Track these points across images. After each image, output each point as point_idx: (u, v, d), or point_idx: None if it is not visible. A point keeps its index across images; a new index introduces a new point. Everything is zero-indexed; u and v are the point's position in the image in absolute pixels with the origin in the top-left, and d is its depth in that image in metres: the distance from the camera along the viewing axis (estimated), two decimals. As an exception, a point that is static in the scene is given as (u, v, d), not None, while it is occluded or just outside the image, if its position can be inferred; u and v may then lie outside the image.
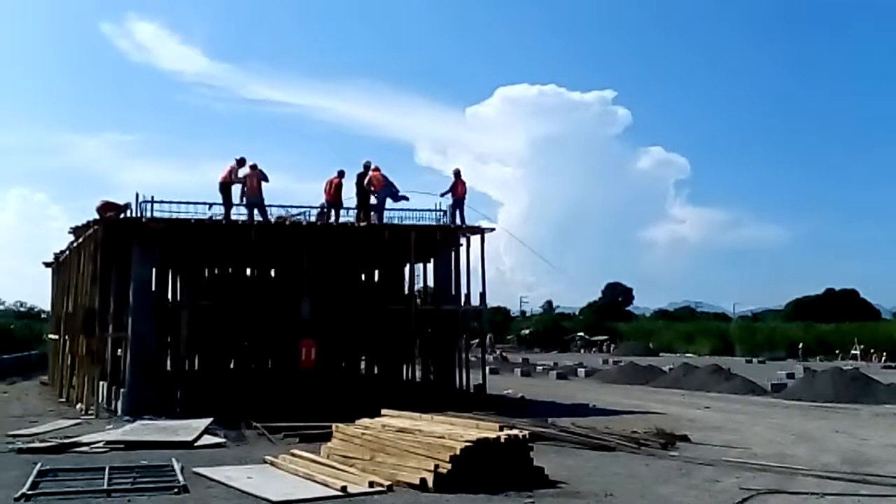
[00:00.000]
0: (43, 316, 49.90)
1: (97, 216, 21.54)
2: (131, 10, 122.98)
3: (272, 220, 22.89)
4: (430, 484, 10.51)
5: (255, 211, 22.11)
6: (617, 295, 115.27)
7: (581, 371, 40.10)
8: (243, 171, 22.14)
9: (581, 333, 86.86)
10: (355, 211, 23.35)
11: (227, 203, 22.02)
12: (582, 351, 76.23)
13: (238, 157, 22.23)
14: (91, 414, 20.19)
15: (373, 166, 23.24)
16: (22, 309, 79.27)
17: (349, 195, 23.11)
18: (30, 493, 10.28)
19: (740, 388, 28.60)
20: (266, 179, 22.15)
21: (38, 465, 12.11)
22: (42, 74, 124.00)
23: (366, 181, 23.03)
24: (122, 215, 21.46)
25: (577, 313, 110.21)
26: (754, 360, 54.70)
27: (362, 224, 23.01)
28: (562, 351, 75.94)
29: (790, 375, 34.68)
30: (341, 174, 23.09)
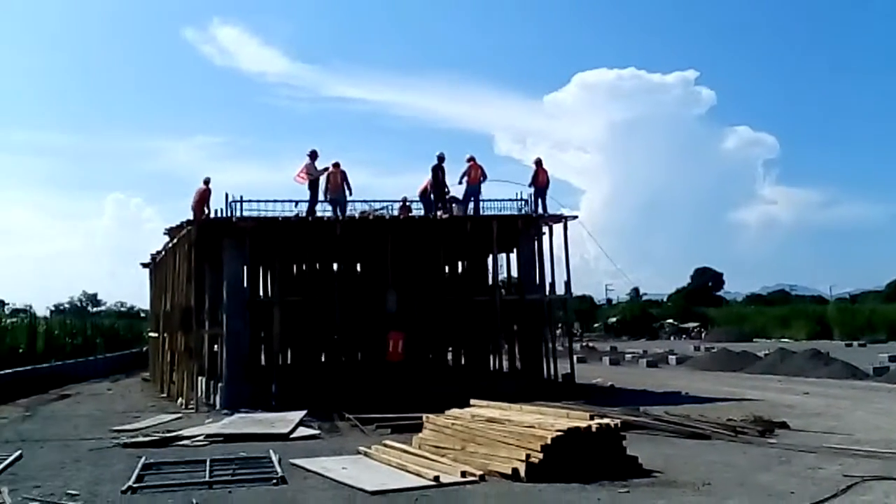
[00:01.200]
0: (142, 315, 52.05)
1: (192, 215, 22.29)
2: (215, 15, 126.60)
3: (356, 215, 23.28)
4: (523, 473, 10.50)
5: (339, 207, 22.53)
6: (706, 280, 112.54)
7: (672, 358, 39.36)
8: (320, 165, 22.52)
9: (670, 320, 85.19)
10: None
11: (313, 200, 22.48)
12: (672, 338, 74.75)
13: (310, 151, 22.61)
14: (191, 408, 20.91)
15: (467, 156, 23.36)
16: (122, 309, 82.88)
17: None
18: (135, 485, 10.70)
19: (840, 373, 27.54)
20: (349, 185, 22.47)
21: (143, 458, 12.60)
22: (134, 83, 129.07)
23: (462, 172, 23.14)
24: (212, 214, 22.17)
25: (665, 300, 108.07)
26: (854, 343, 52.53)
27: (444, 216, 23.14)
28: (651, 338, 74.64)
29: (892, 358, 33.17)
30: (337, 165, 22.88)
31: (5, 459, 12.76)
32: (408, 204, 24.50)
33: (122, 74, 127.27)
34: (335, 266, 24.30)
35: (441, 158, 23.41)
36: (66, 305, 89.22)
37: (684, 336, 76.02)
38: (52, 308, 66.50)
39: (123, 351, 47.15)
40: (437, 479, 10.53)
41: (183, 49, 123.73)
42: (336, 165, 22.45)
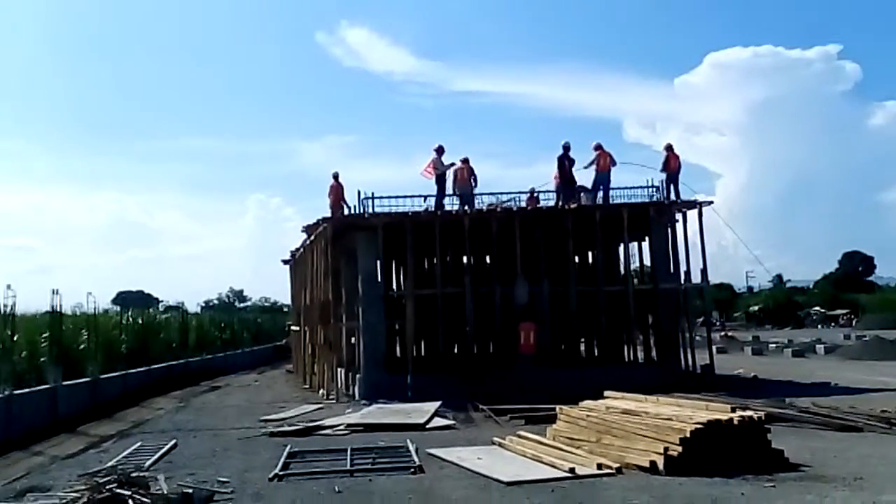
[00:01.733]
0: (285, 309, 54.19)
1: (330, 213, 23.06)
2: (343, 18, 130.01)
3: (483, 207, 23.41)
4: (661, 467, 10.25)
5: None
6: (856, 265, 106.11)
7: (819, 348, 37.43)
8: (447, 159, 22.81)
9: (817, 308, 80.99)
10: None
11: (440, 194, 22.80)
12: (819, 326, 71.09)
13: (436, 146, 22.92)
14: (332, 399, 21.65)
15: (594, 144, 23.09)
16: (266, 304, 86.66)
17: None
18: (282, 473, 11.18)
19: None
20: (475, 179, 22.76)
21: (288, 447, 13.15)
22: (271, 88, 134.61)
23: (590, 160, 22.90)
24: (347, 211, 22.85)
25: (811, 286, 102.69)
26: None
27: (572, 206, 22.90)
28: (796, 327, 71.24)
29: None
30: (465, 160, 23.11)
31: (162, 448, 13.62)
32: (535, 195, 24.39)
33: (261, 81, 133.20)
34: (465, 259, 24.49)
35: (567, 147, 23.17)
36: (215, 302, 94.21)
37: (833, 324, 72.19)
38: (202, 304, 70.45)
39: (268, 344, 49.50)
40: (572, 470, 10.46)
41: (315, 53, 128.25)
42: (465, 161, 22.74)
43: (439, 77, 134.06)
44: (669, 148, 23.38)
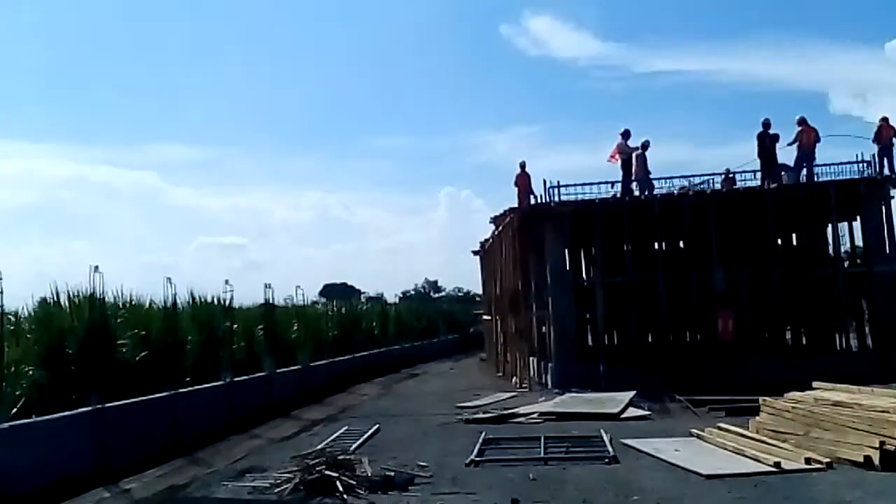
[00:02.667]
0: (477, 299, 55.22)
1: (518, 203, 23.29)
2: (525, 8, 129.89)
3: (675, 191, 22.70)
4: (876, 462, 9.58)
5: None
6: None
7: None
8: (632, 144, 22.34)
9: None
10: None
11: (626, 180, 22.36)
12: None
13: (622, 131, 22.50)
14: (525, 387, 21.87)
15: (797, 118, 21.81)
16: (460, 294, 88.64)
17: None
18: (477, 459, 11.50)
19: None
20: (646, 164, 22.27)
21: (483, 433, 13.48)
22: (459, 83, 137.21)
23: (793, 136, 21.65)
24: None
25: None
26: None
27: (773, 186, 21.67)
28: None
29: None
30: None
31: (366, 432, 14.39)
32: (731, 176, 23.29)
33: (446, 78, 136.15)
34: (656, 245, 23.86)
35: (766, 124, 21.93)
36: (412, 292, 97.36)
37: None
38: (400, 295, 72.98)
39: (462, 333, 50.78)
40: (777, 465, 9.99)
41: (500, 45, 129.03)
42: (644, 146, 22.30)
43: (625, 59, 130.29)
44: (885, 119, 21.56)
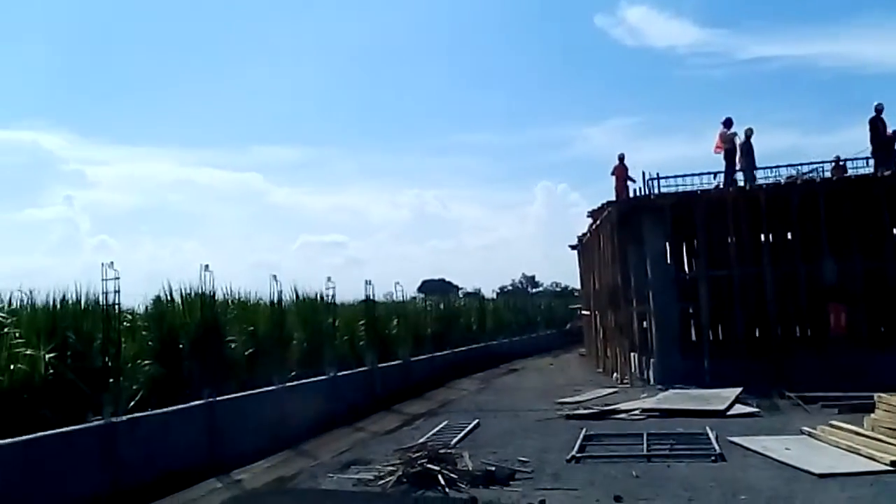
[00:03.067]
0: (575, 294, 54.77)
1: (615, 196, 22.94)
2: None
3: (781, 181, 21.89)
4: None
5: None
6: None
7: None
8: (734, 132, 21.67)
9: None
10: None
11: (729, 170, 21.69)
12: None
13: (724, 119, 21.85)
14: (626, 383, 21.55)
15: None
16: (557, 289, 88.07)
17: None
18: (579, 455, 11.42)
19: None
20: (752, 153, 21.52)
21: (584, 429, 13.37)
22: (553, 76, 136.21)
23: None
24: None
25: None
26: None
27: (887, 173, 20.60)
28: None
29: None
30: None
31: (466, 427, 14.48)
32: (841, 163, 22.28)
33: (540, 70, 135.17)
34: (762, 237, 23.05)
35: (879, 109, 20.91)
36: (509, 287, 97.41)
37: None
38: (497, 290, 73.14)
39: (560, 328, 50.41)
40: (894, 463, 9.55)
41: (596, 36, 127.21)
42: (748, 134, 21.60)
43: (726, 45, 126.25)
44: None
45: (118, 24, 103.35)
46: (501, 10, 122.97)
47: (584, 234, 31.71)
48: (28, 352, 10.81)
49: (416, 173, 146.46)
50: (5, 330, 10.76)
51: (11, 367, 10.36)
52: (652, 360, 21.50)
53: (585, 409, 16.63)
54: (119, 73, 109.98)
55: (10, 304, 11.88)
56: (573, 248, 36.79)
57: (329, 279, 18.55)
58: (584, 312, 36.51)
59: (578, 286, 41.56)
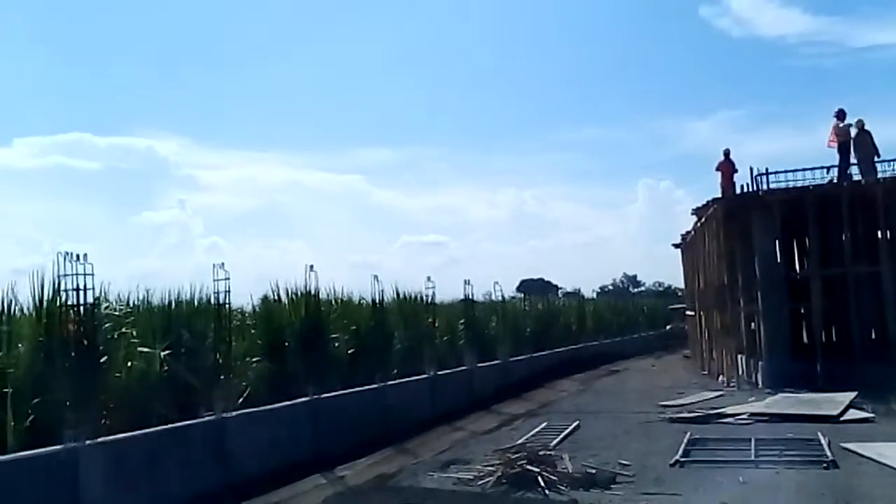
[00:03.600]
0: (679, 294, 53.59)
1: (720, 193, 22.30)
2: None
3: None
4: None
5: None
6: None
7: None
8: (847, 123, 20.68)
9: None
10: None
11: (843, 164, 20.73)
12: None
13: (836, 111, 20.86)
14: (732, 386, 20.92)
15: None
16: (660, 289, 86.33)
17: None
18: (682, 459, 11.15)
19: None
20: (874, 146, 20.40)
21: (688, 433, 13.05)
22: (654, 68, 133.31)
23: None
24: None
25: None
26: None
27: None
28: None
29: None
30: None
31: (566, 429, 14.37)
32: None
33: (640, 64, 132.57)
34: (880, 234, 21.93)
35: None
36: (610, 287, 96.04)
37: None
38: (598, 290, 72.12)
39: (662, 329, 49.39)
40: None
41: (700, 27, 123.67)
42: (860, 125, 20.58)
43: (839, 33, 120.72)
44: None
45: (228, 33, 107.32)
46: (601, 3, 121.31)
47: (688, 232, 30.95)
48: (144, 349, 11.36)
49: (513, 172, 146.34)
50: (123, 328, 11.32)
51: (129, 364, 10.90)
52: (760, 363, 20.79)
53: (690, 412, 16.24)
54: (228, 80, 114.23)
55: (128, 303, 12.48)
56: (676, 246, 35.98)
57: (429, 279, 18.76)
58: (688, 313, 35.64)
59: (682, 286, 40.61)
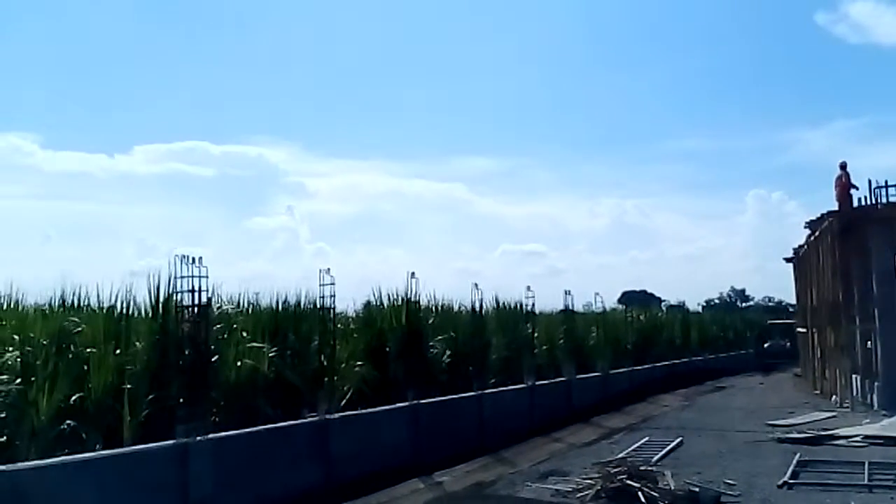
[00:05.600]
0: (790, 310, 51.61)
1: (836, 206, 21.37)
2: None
3: None
4: None
5: None
6: None
7: None
8: None
9: None
10: None
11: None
12: None
13: None
14: (846, 407, 19.98)
15: None
16: (770, 304, 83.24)
17: None
18: (791, 481, 10.72)
19: None
20: None
21: (797, 454, 12.55)
22: (765, 78, 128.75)
23: None
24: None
25: None
26: None
27: None
28: None
29: None
30: None
31: (668, 445, 14.04)
32: None
33: (755, 71, 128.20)
34: None
35: None
36: (716, 301, 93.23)
37: None
38: (703, 304, 70.14)
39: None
40: None
41: (815, 34, 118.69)
42: None
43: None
44: None
45: (339, 44, 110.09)
46: (712, 8, 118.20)
47: (801, 246, 29.75)
48: (255, 345, 11.74)
49: (615, 182, 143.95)
50: (234, 326, 11.76)
51: (238, 363, 11.30)
52: (876, 384, 19.76)
53: (799, 432, 15.60)
54: (335, 90, 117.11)
55: (238, 305, 12.96)
56: (788, 260, 34.64)
57: (528, 288, 18.72)
58: (799, 330, 34.24)
59: (794, 301, 39.09)
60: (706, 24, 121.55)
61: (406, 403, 13.27)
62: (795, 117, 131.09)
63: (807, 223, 25.47)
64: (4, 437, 7.38)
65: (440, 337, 16.05)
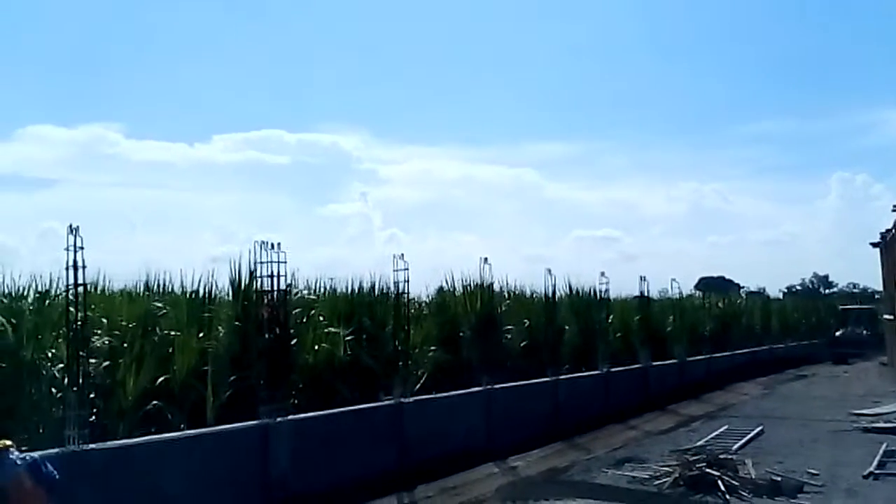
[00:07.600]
0: (876, 297, 49.70)
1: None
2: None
3: None
4: None
5: None
6: None
7: None
8: None
9: None
10: None
11: None
12: None
13: None
14: (937, 397, 19.20)
15: None
16: (855, 290, 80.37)
17: None
18: (877, 471, 10.40)
19: None
20: None
21: (884, 444, 12.13)
22: (849, 52, 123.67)
23: None
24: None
25: None
26: None
27: None
28: None
29: None
30: None
31: (748, 433, 13.74)
32: None
33: (838, 49, 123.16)
34: None
35: None
36: (798, 287, 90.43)
37: None
38: (784, 290, 68.10)
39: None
40: None
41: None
42: None
43: None
44: None
45: (409, 35, 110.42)
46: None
47: (889, 231, 28.62)
48: (332, 329, 11.93)
49: (693, 166, 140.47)
50: (312, 311, 11.97)
51: (316, 347, 11.50)
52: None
53: (886, 422, 15.08)
54: (406, 76, 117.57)
55: (314, 290, 13.17)
56: (875, 245, 33.37)
57: (602, 274, 18.49)
58: (886, 317, 32.98)
59: (880, 288, 37.63)
60: (786, 3, 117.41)
61: (480, 388, 13.30)
62: (884, 96, 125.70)
63: (894, 206, 24.52)
64: (94, 417, 7.68)
65: (513, 323, 16.02)
